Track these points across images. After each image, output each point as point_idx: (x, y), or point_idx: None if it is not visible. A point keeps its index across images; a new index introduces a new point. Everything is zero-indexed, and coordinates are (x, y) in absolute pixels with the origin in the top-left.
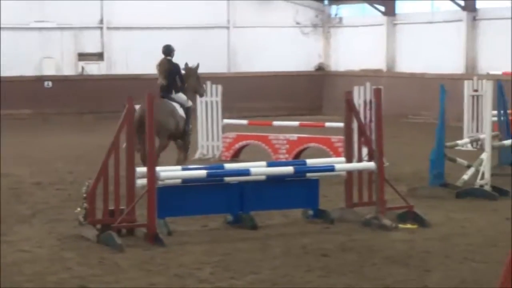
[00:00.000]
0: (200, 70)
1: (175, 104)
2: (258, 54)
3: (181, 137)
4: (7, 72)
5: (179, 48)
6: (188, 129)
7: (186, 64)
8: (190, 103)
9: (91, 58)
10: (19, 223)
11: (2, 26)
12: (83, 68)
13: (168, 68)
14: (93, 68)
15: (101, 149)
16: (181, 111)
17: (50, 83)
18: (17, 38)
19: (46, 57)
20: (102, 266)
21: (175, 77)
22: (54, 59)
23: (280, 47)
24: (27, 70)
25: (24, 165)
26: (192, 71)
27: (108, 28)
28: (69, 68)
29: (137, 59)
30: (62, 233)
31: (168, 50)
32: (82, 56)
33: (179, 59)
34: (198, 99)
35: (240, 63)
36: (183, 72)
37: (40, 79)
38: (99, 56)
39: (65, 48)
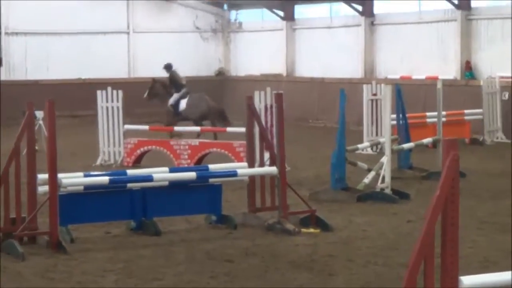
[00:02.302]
0: (98, 75)
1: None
2: (158, 59)
3: None
4: None
5: (79, 53)
6: None
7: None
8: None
9: None
10: None
11: None
12: None
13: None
14: None
15: (1, 156)
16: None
17: None
18: None
19: None
20: (4, 275)
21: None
22: None
23: (180, 52)
24: None
25: None
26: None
27: (7, 33)
28: None
29: (36, 64)
30: None
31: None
32: None
33: (77, 64)
34: (99, 104)
35: (140, 68)
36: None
37: None
38: None
39: None
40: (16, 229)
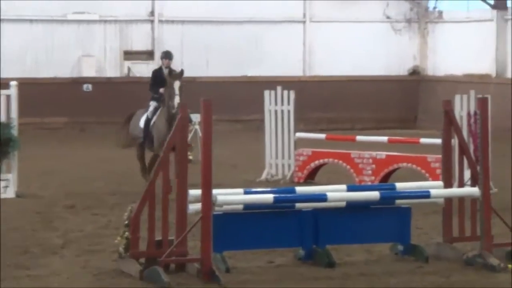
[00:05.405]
0: (267, 73)
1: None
2: (339, 54)
3: None
4: (39, 73)
5: (242, 45)
6: None
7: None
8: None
9: (139, 57)
10: (47, 255)
11: (34, 18)
12: (129, 68)
13: None
14: (142, 69)
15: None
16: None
17: (89, 86)
18: (51, 33)
19: (85, 55)
20: None
21: None
22: (94, 57)
23: (367, 46)
24: (63, 70)
25: (55, 184)
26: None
27: (160, 21)
28: (112, 68)
29: (194, 58)
30: (99, 268)
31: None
32: (129, 55)
33: (242, 59)
34: (266, 107)
35: (317, 65)
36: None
37: (78, 81)
38: (149, 55)
39: (108, 45)
40: (161, 254)
